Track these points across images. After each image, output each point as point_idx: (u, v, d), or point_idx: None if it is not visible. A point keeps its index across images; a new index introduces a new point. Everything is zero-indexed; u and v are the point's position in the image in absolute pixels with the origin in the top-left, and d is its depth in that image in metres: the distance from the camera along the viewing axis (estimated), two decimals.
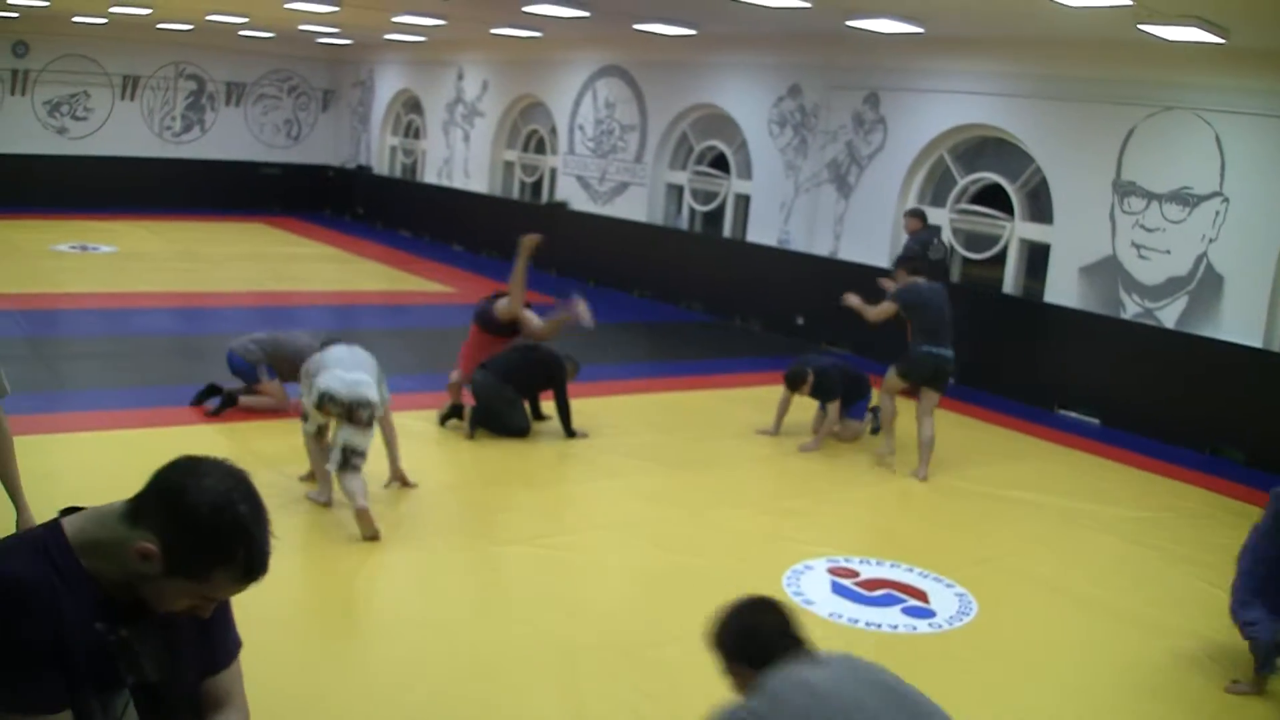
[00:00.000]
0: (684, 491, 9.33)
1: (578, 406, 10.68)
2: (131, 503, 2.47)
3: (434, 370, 13.11)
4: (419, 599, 6.90)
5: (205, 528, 2.39)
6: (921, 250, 13.40)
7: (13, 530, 4.26)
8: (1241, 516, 9.82)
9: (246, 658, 2.85)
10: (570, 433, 10.45)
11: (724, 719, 3.25)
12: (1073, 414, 13.00)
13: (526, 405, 10.65)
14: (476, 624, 6.57)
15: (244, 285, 17.06)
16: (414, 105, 26.25)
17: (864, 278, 14.89)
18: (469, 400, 10.49)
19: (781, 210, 16.85)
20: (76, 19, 21.74)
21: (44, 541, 2.45)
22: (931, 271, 11.64)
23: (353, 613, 6.86)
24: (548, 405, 10.78)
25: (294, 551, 7.29)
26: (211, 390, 10.40)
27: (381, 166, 27.23)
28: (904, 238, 14.86)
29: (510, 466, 9.64)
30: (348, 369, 7.96)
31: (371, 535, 7.52)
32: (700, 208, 18.92)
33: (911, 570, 7.88)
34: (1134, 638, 7.07)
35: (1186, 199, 12.21)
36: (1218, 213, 11.96)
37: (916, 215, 14.05)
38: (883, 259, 15.07)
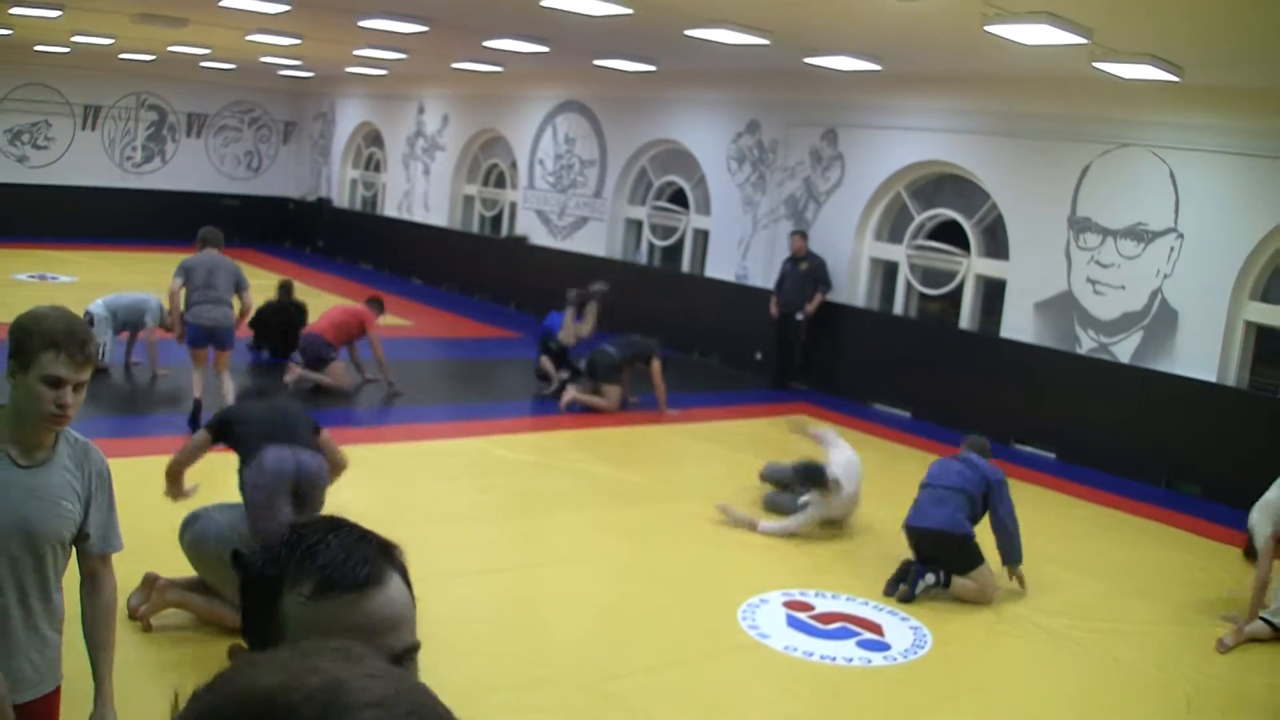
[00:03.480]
0: (642, 524, 9.33)
1: (536, 440, 10.68)
2: None
3: (392, 404, 13.10)
4: None
5: None
6: (809, 268, 15.11)
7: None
8: (1196, 550, 9.91)
9: None
10: None
11: None
12: (1029, 448, 13.08)
13: None
14: (431, 657, 6.52)
15: None
16: (375, 138, 26.25)
17: (823, 312, 15.01)
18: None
19: (740, 246, 16.91)
20: (38, 48, 21.64)
21: None
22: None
23: None
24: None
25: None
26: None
27: (342, 199, 27.19)
28: (864, 273, 15.13)
29: (467, 499, 9.62)
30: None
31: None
32: (659, 243, 18.97)
33: (867, 604, 7.90)
34: (1089, 668, 7.11)
35: (1141, 235, 12.34)
36: (1172, 249, 12.09)
37: (802, 235, 15.31)
38: (840, 295, 15.15)
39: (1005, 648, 7.46)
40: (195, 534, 6.62)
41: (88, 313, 12.91)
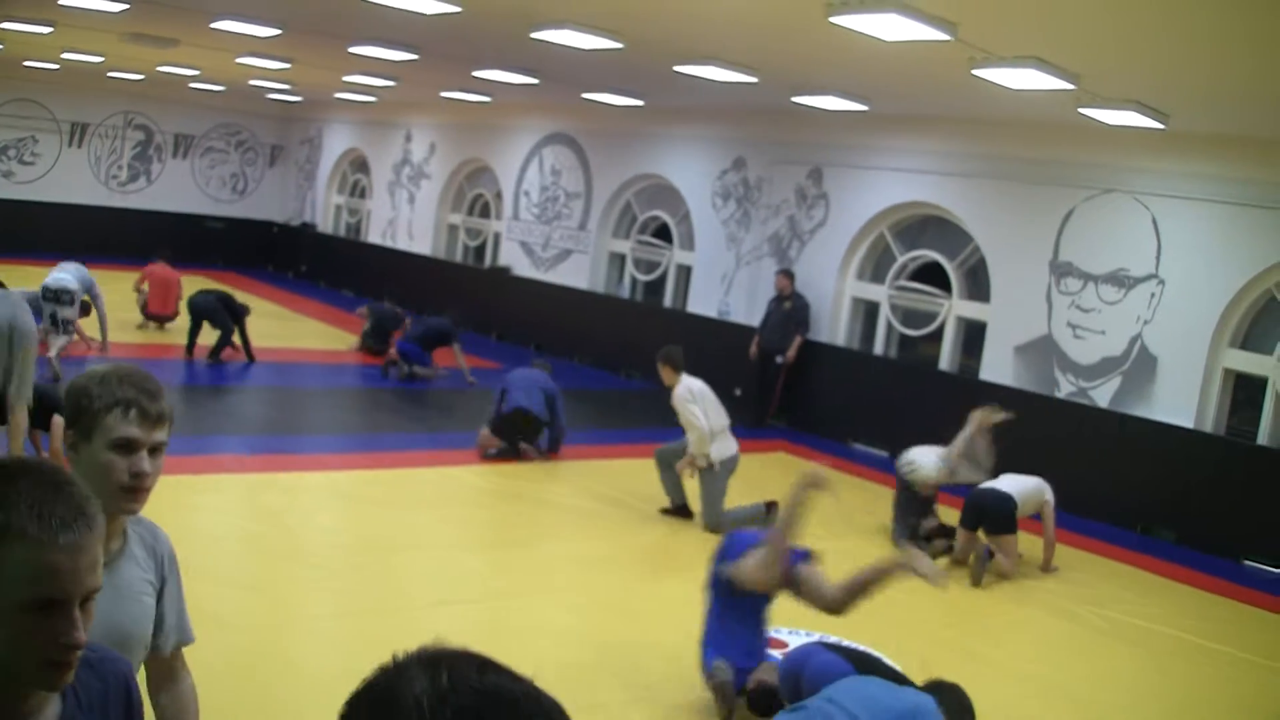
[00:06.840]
0: (625, 558, 9.30)
1: (511, 470, 10.64)
2: None
3: (370, 431, 13.06)
4: (358, 659, 6.77)
5: None
6: (791, 309, 15.26)
7: None
8: (1169, 594, 9.92)
9: None
10: None
11: None
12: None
13: None
14: None
15: (182, 338, 16.68)
16: (361, 165, 26.26)
17: (803, 351, 15.02)
18: None
19: (722, 282, 16.94)
20: (28, 63, 21.63)
21: None
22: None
23: (288, 675, 6.66)
24: None
25: (238, 610, 7.17)
26: None
27: (326, 225, 27.17)
28: (845, 312, 15.18)
29: (441, 528, 9.59)
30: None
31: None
32: (642, 277, 18.99)
33: (841, 642, 7.87)
34: (1078, 706, 7.10)
35: (1122, 280, 12.39)
36: (1153, 295, 12.14)
37: (788, 275, 15.47)
38: (821, 334, 15.18)
39: (993, 693, 7.44)
40: None
41: (66, 290, 13.15)
